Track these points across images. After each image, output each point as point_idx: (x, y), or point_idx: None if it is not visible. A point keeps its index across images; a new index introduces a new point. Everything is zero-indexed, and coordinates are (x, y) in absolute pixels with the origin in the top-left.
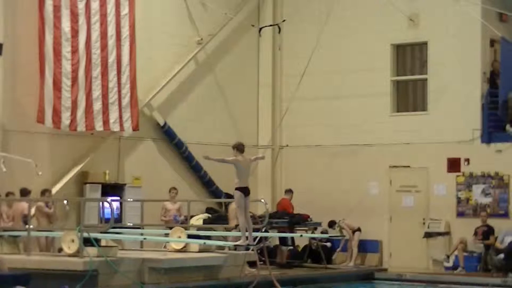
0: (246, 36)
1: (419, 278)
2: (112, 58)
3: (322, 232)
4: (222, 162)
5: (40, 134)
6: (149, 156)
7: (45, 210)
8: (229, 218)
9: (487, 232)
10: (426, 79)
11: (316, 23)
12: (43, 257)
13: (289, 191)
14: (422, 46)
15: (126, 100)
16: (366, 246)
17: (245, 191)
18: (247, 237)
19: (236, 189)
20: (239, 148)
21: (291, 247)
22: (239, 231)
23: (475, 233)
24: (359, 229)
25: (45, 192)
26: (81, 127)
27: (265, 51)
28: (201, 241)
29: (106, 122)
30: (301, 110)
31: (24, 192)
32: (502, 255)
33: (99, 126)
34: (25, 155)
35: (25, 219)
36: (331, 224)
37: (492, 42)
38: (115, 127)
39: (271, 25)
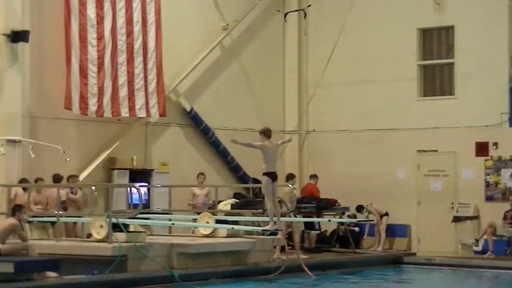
0: (271, 22)
1: (448, 262)
2: (138, 44)
3: (349, 217)
4: (249, 147)
5: (68, 121)
6: (176, 141)
7: (70, 197)
8: (284, 201)
9: None
10: (453, 63)
11: (341, 7)
12: (72, 242)
13: (314, 176)
14: (448, 30)
15: (152, 86)
16: (394, 231)
17: (272, 176)
18: (275, 222)
19: (264, 174)
20: (266, 133)
21: (319, 232)
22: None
23: (504, 217)
24: (386, 214)
25: (70, 178)
26: (107, 113)
27: (291, 37)
28: (229, 226)
29: (132, 108)
30: (327, 95)
31: (57, 178)
32: None
33: (125, 112)
34: (53, 141)
35: (64, 205)
36: (359, 208)
37: None
38: (141, 113)
39: (296, 10)
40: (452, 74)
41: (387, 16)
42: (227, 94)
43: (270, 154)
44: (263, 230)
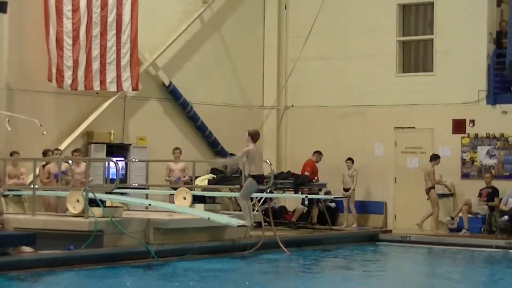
0: None
1: (423, 240)
2: (112, 17)
3: (326, 194)
4: (237, 161)
5: (46, 94)
6: (154, 116)
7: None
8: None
9: (491, 194)
10: (432, 40)
11: None
12: (48, 217)
13: (316, 153)
14: (428, 6)
15: (125, 60)
16: (370, 208)
17: (259, 179)
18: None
19: (252, 176)
20: (254, 137)
21: (306, 208)
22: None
23: (480, 195)
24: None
25: (47, 152)
26: (81, 86)
27: (271, 11)
28: (206, 216)
29: (103, 81)
30: (306, 70)
31: (46, 153)
32: (506, 217)
33: (96, 85)
34: (30, 115)
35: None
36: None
37: (499, 2)
38: (112, 87)
39: None
40: (431, 51)
41: None
42: (206, 68)
43: (256, 155)
44: (238, 226)
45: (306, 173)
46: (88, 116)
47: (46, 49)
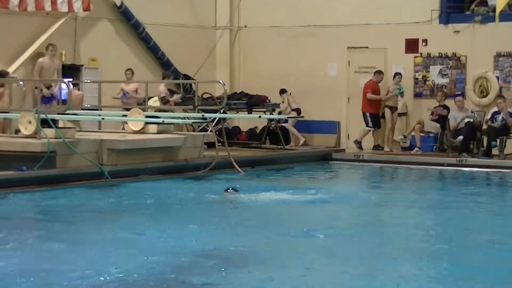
0: None
1: (376, 158)
2: None
3: (279, 113)
4: None
5: None
6: (106, 37)
7: None
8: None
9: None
10: None
11: None
12: None
13: (376, 72)
14: None
15: None
16: (323, 128)
17: None
18: None
19: None
20: None
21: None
22: None
23: (432, 114)
24: (297, 110)
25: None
26: (31, 7)
27: None
28: (159, 120)
29: (54, 2)
30: None
31: (2, 74)
32: (461, 137)
33: (48, 6)
34: None
35: None
36: (281, 92)
37: None
38: (63, 8)
39: None
40: None
41: None
42: None
43: None
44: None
45: (367, 94)
46: (38, 37)
47: None
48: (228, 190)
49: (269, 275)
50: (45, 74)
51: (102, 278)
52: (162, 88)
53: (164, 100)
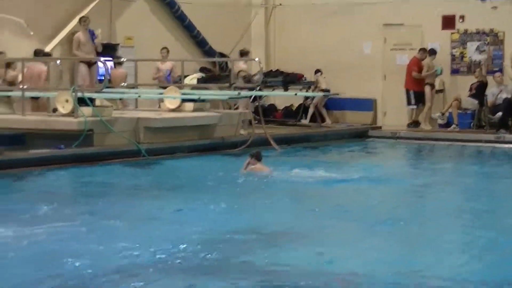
0: None
1: (413, 135)
2: None
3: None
4: None
5: None
6: (141, 15)
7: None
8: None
9: (481, 87)
10: None
11: None
12: (38, 117)
13: (421, 50)
14: None
15: None
16: (360, 105)
17: None
18: None
19: None
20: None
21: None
22: None
23: (470, 90)
24: (327, 90)
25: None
26: None
27: None
28: (196, 96)
29: None
30: None
31: (39, 53)
32: (500, 113)
33: None
34: (14, 15)
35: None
36: (315, 72)
37: None
38: None
39: None
40: None
41: None
42: None
43: None
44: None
45: (413, 72)
46: (74, 17)
47: None
48: None
49: (317, 251)
50: (83, 49)
51: (146, 256)
52: (243, 65)
53: (246, 79)
